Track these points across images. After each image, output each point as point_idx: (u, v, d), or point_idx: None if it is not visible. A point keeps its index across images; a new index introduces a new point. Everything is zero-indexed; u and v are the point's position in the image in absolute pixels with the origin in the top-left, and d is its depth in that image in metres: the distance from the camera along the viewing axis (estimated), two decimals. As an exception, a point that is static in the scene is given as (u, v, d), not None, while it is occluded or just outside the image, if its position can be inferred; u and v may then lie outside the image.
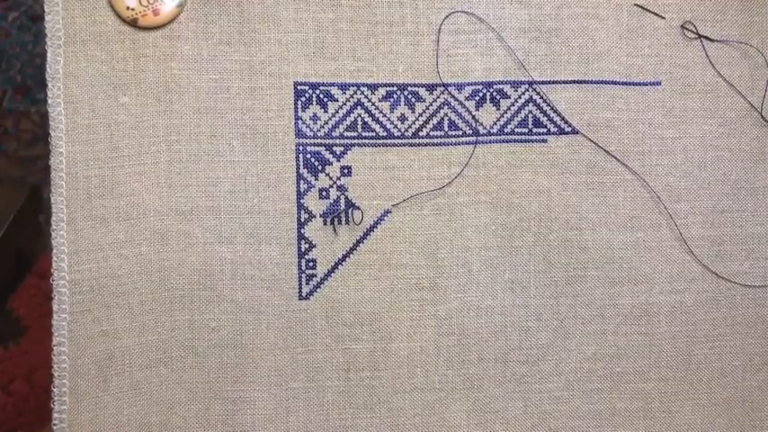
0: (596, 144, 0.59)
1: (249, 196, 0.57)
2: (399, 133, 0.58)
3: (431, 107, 0.58)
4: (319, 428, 0.58)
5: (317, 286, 0.58)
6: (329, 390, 0.58)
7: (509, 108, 0.58)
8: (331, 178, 0.58)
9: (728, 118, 0.60)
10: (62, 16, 0.55)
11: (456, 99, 0.58)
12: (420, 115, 0.58)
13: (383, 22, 0.57)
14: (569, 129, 0.59)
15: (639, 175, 0.59)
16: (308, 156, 0.58)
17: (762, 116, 0.60)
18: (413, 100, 0.58)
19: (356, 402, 0.58)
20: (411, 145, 0.58)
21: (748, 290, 0.60)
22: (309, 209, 0.58)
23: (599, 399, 0.60)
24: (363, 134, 0.58)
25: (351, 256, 0.58)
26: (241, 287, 0.57)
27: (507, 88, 0.58)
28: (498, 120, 0.58)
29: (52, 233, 0.55)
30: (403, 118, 0.58)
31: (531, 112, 0.59)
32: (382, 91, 0.58)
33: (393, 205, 0.58)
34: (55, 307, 0.55)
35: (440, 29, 0.57)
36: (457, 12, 0.57)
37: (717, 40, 0.59)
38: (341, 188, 0.58)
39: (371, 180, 0.58)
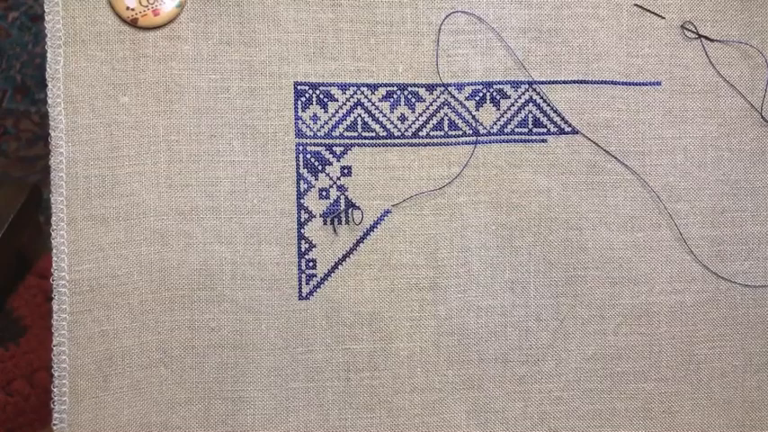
0: (596, 144, 0.59)
1: (249, 196, 0.57)
2: (399, 133, 0.58)
3: (431, 107, 0.58)
4: (319, 428, 0.58)
5: (317, 286, 0.58)
6: (329, 390, 0.58)
7: (509, 108, 0.58)
8: (331, 178, 0.58)
9: (728, 118, 0.60)
10: (62, 16, 0.55)
11: (456, 99, 0.58)
12: (420, 115, 0.58)
13: (383, 22, 0.57)
14: (569, 129, 0.59)
15: (639, 175, 0.59)
16: (308, 156, 0.58)
17: (762, 116, 0.60)
18: (413, 100, 0.58)
19: (356, 402, 0.58)
20: (411, 145, 0.58)
21: (748, 290, 0.60)
22: (309, 209, 0.58)
23: (599, 399, 0.60)
24: (363, 134, 0.58)
25: (351, 256, 0.58)
26: (241, 287, 0.57)
27: (507, 88, 0.58)
28: (498, 120, 0.58)
29: (52, 233, 0.55)
30: (403, 118, 0.58)
31: (531, 112, 0.59)
32: (382, 91, 0.58)
33: (393, 205, 0.58)
34: (55, 307, 0.55)
35: (440, 29, 0.57)
36: (457, 12, 0.57)
37: (717, 40, 0.59)
38: (341, 188, 0.58)
39: (371, 180, 0.58)
